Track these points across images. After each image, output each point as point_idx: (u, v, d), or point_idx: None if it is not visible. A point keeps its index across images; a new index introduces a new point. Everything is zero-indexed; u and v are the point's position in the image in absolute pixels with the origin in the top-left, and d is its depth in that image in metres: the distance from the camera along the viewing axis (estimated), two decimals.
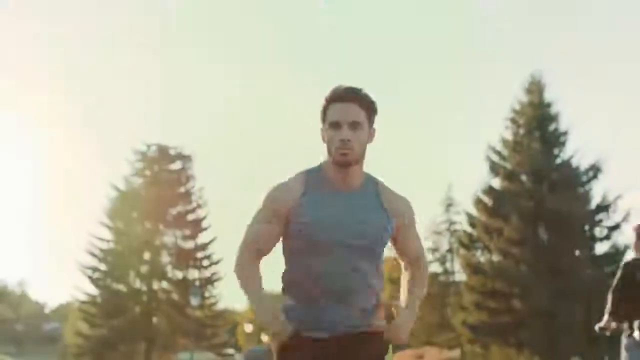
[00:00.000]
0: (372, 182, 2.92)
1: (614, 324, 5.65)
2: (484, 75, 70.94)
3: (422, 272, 3.05)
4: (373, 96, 2.89)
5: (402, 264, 3.08)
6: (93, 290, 36.12)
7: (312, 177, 2.89)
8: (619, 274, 5.74)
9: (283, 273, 2.93)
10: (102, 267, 36.06)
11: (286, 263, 2.93)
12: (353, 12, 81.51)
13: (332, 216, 2.82)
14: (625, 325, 5.59)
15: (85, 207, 73.47)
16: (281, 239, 2.92)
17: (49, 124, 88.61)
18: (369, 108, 2.85)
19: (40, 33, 79.08)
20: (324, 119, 2.86)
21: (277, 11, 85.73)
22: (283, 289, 2.92)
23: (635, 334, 5.47)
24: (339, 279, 2.81)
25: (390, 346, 2.92)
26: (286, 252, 2.92)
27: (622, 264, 5.82)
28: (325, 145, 2.87)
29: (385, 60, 79.75)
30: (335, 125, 2.80)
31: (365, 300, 2.86)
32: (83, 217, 71.83)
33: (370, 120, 2.87)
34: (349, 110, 2.80)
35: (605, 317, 5.71)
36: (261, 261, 2.96)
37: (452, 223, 38.36)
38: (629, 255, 6.13)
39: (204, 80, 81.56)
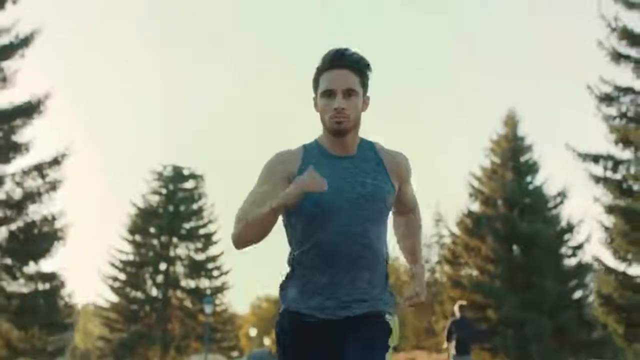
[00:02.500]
0: (368, 144, 3.01)
1: (450, 346, 12.48)
2: (482, 90, 77.06)
3: (418, 218, 3.26)
4: (365, 57, 2.92)
5: (393, 211, 3.19)
6: (113, 297, 41.07)
7: (309, 149, 2.97)
8: (447, 325, 12.56)
9: (291, 247, 2.99)
10: (122, 276, 41.04)
11: (292, 236, 2.97)
12: (353, 13, 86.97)
13: (332, 180, 2.86)
14: (451, 346, 12.43)
15: (108, 223, 79.91)
16: (284, 212, 2.93)
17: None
18: (363, 73, 2.91)
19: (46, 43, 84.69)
20: (316, 88, 2.93)
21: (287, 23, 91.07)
22: (290, 263, 2.97)
23: (453, 351, 12.32)
24: (345, 248, 2.86)
25: (396, 325, 3.19)
26: (291, 223, 2.96)
27: (451, 320, 12.61)
28: (318, 115, 2.92)
29: (392, 62, 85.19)
30: (328, 94, 2.86)
31: (375, 267, 2.92)
32: (103, 231, 78.87)
33: (365, 85, 2.92)
34: (343, 78, 2.85)
35: (446, 343, 12.53)
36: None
37: (441, 237, 44.85)
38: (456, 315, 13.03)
39: (217, 104, 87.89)
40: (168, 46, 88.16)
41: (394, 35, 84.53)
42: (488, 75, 79.80)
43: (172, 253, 42.09)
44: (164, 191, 42.87)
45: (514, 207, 35.54)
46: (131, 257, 41.70)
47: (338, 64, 2.86)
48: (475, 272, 36.40)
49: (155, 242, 42.07)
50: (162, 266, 41.82)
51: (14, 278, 22.26)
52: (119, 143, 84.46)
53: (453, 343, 13.00)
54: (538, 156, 36.48)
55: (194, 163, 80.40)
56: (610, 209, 21.63)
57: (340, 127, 2.86)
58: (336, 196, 2.85)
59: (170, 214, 42.04)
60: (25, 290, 22.70)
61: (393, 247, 3.69)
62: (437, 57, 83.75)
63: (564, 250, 35.85)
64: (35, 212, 22.58)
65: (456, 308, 13.59)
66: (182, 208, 42.53)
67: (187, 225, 42.48)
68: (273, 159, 2.95)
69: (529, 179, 36.44)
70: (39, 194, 22.44)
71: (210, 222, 43.06)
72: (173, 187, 42.90)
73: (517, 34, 79.83)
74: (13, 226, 22.36)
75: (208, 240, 42.74)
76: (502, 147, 36.59)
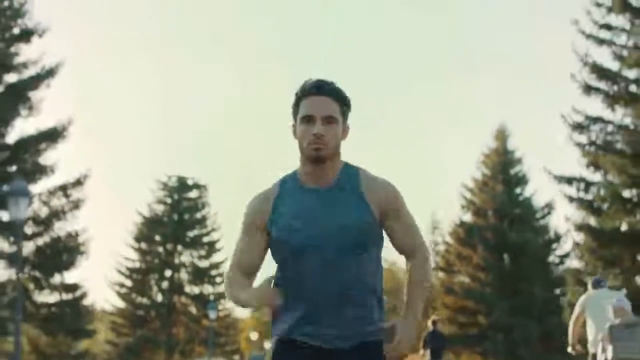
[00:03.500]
0: (352, 172, 2.94)
1: (426, 353, 15.67)
2: (481, 97, 79.85)
3: (420, 264, 2.97)
4: (345, 92, 2.94)
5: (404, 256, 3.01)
6: (120, 303, 43.63)
7: (286, 182, 2.96)
8: (423, 336, 15.74)
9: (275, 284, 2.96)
10: (128, 283, 43.65)
11: (276, 274, 2.97)
12: (352, 14, 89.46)
13: (305, 218, 2.87)
14: (427, 353, 15.60)
15: (114, 231, 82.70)
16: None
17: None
18: (343, 102, 2.91)
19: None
20: (295, 114, 2.91)
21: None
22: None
23: (428, 357, 15.52)
24: (326, 283, 2.84)
25: None
26: (274, 262, 2.98)
27: (426, 331, 15.76)
28: (297, 142, 2.90)
29: (391, 64, 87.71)
30: (308, 120, 2.85)
31: (359, 304, 2.88)
32: (109, 238, 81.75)
33: (345, 116, 2.92)
34: (323, 104, 2.85)
35: (422, 350, 15.71)
36: (253, 280, 3.02)
37: (436, 244, 47.86)
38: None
39: (217, 105, 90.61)
40: (168, 46, 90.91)
41: (394, 36, 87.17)
42: (487, 79, 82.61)
43: (176, 260, 44.82)
44: (168, 200, 45.44)
45: (504, 217, 38.54)
46: (137, 264, 44.33)
47: (319, 91, 2.88)
48: (467, 280, 39.45)
49: (160, 249, 44.71)
50: (167, 273, 44.43)
51: (42, 289, 25.36)
52: (120, 147, 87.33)
53: (428, 350, 16.37)
54: (527, 169, 39.59)
55: (197, 171, 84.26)
56: (579, 227, 24.64)
57: (318, 154, 2.84)
58: (306, 233, 2.85)
59: (174, 222, 44.67)
60: (51, 299, 25.86)
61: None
62: (436, 63, 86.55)
63: (551, 258, 38.92)
64: (60, 228, 25.66)
65: (430, 323, 17.12)
66: (186, 217, 45.21)
67: (191, 234, 45.21)
68: (248, 209, 2.99)
69: (518, 190, 39.49)
70: (64, 212, 25.50)
71: (213, 230, 45.75)
72: (177, 197, 45.47)
73: (517, 36, 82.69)
74: (40, 241, 25.40)
75: (211, 247, 45.43)
76: (492, 160, 39.59)
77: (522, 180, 39.49)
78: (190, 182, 46.04)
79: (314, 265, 2.85)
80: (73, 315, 25.67)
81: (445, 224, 43.63)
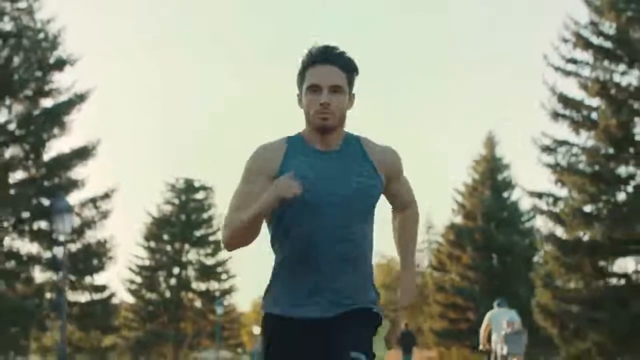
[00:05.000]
0: (353, 139, 3.11)
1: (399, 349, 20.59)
2: (477, 102, 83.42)
3: (414, 216, 3.29)
4: (352, 56, 3.06)
5: (392, 208, 3.32)
6: (130, 299, 47.66)
7: (293, 142, 3.07)
8: (398, 335, 20.54)
9: (272, 246, 3.10)
10: (138, 279, 47.65)
11: (274, 232, 3.08)
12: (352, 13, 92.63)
13: (318, 175, 2.98)
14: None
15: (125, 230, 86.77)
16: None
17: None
18: (350, 70, 3.03)
19: None
20: (300, 83, 3.05)
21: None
22: (274, 265, 3.08)
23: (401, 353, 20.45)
24: (334, 243, 2.96)
25: (384, 322, 3.14)
26: (274, 221, 3.06)
27: (400, 331, 20.58)
28: (303, 110, 3.04)
29: (390, 66, 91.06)
30: (314, 89, 2.98)
31: (360, 269, 3.03)
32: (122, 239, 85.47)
33: (351, 84, 3.05)
34: (329, 73, 2.98)
35: (395, 348, 20.59)
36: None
37: (430, 243, 52.67)
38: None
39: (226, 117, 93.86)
40: (168, 47, 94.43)
41: (394, 38, 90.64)
42: (486, 82, 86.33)
43: (184, 258, 48.77)
44: (176, 202, 49.37)
45: (492, 220, 43.12)
46: (147, 262, 48.34)
47: (325, 60, 3.00)
48: (457, 278, 44.13)
49: (168, 248, 48.64)
50: (175, 270, 48.34)
51: (75, 289, 30.16)
52: (128, 153, 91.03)
53: (401, 348, 21.01)
54: (515, 174, 44.23)
55: (203, 173, 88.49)
56: (546, 237, 29.28)
57: (325, 123, 2.97)
58: (320, 195, 2.96)
59: (182, 222, 48.60)
60: (83, 299, 30.70)
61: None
62: (434, 64, 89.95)
63: (536, 259, 43.42)
64: (91, 236, 30.40)
65: (403, 325, 21.65)
66: (193, 217, 49.13)
67: (198, 233, 49.10)
68: (255, 156, 3.06)
69: (505, 195, 44.11)
70: (94, 222, 30.19)
71: (219, 229, 47.89)
72: (185, 198, 49.43)
73: (517, 36, 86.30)
74: (73, 248, 30.06)
75: (217, 246, 49.07)
76: (482, 166, 44.19)
77: (509, 186, 44.06)
78: (197, 184, 49.72)
79: (327, 223, 2.97)
80: (102, 313, 30.45)
81: (439, 225, 48.34)
